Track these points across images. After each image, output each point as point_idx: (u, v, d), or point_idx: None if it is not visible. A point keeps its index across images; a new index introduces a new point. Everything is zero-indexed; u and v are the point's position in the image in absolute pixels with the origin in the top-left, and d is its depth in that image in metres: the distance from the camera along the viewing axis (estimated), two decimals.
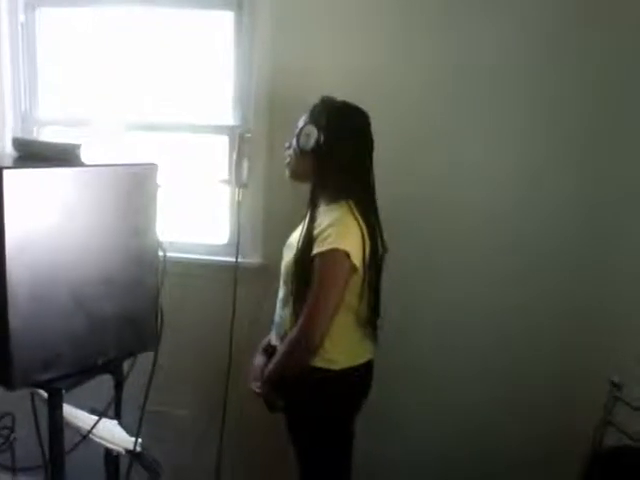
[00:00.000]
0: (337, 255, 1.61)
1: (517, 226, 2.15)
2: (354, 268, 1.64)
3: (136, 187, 1.37)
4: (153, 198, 1.41)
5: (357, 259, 1.64)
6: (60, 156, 1.33)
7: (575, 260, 2.13)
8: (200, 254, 2.34)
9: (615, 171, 2.08)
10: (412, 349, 2.23)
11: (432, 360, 2.24)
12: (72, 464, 1.59)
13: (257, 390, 1.80)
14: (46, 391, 1.32)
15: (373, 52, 2.14)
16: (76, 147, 1.34)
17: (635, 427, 1.61)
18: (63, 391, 1.30)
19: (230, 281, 2.17)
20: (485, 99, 2.11)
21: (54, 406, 1.33)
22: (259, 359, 1.90)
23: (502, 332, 2.19)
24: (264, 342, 1.93)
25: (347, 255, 1.61)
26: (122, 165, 1.37)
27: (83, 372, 1.35)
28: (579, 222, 2.12)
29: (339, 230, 1.63)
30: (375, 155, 1.78)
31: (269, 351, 1.87)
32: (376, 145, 1.77)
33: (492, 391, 2.21)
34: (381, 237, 1.78)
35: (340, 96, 1.77)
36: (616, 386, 1.68)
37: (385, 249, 1.80)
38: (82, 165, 1.32)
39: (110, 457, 1.69)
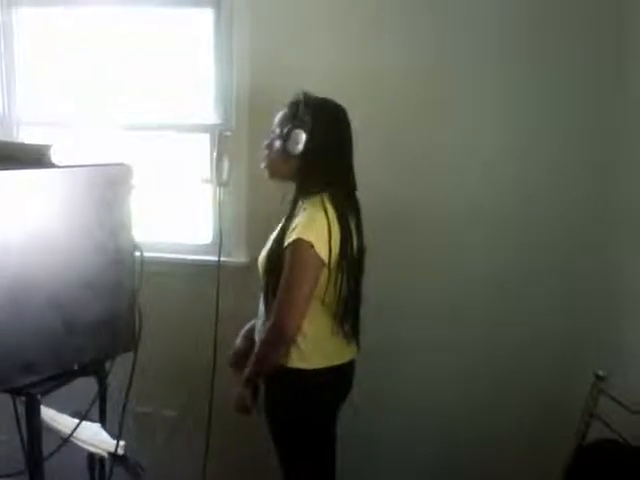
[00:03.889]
0: (301, 245, 1.61)
1: (499, 220, 2.15)
2: (320, 260, 1.62)
3: (110, 188, 1.35)
4: (128, 199, 1.39)
5: (322, 251, 1.62)
6: (31, 158, 1.31)
7: (561, 251, 2.13)
8: (184, 254, 2.33)
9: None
10: (399, 350, 2.23)
11: (417, 358, 2.24)
12: (57, 468, 1.58)
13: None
14: (21, 396, 1.30)
15: (352, 49, 2.13)
16: (47, 148, 1.32)
17: (620, 421, 1.61)
18: (38, 396, 1.28)
19: (214, 280, 2.16)
20: (463, 94, 2.11)
21: (31, 411, 1.31)
22: (239, 343, 1.93)
23: (490, 329, 2.19)
24: (246, 328, 1.94)
25: (311, 245, 1.60)
26: (95, 166, 1.34)
27: (60, 377, 1.33)
28: (560, 215, 2.11)
29: (304, 222, 1.64)
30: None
31: (249, 337, 1.90)
32: (354, 142, 1.76)
33: (479, 387, 2.21)
34: (359, 236, 1.77)
35: (320, 94, 1.75)
36: (600, 379, 1.68)
37: (363, 248, 1.78)
38: (53, 166, 1.30)
39: (93, 461, 1.68)
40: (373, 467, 2.31)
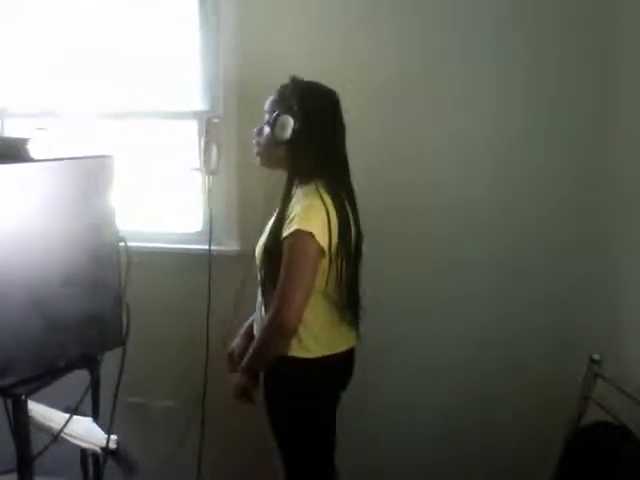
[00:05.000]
0: (302, 235, 1.58)
1: (495, 209, 2.12)
2: (321, 250, 1.60)
3: (90, 181, 1.32)
4: (109, 191, 1.36)
5: (323, 240, 1.60)
6: (7, 152, 1.28)
7: (557, 239, 2.10)
8: (174, 243, 2.31)
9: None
10: (394, 338, 2.21)
11: (414, 352, 2.22)
12: (50, 464, 1.58)
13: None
14: (6, 397, 1.28)
15: (341, 33, 2.08)
16: (24, 142, 1.29)
17: (614, 403, 1.60)
18: (23, 397, 1.26)
19: (205, 269, 2.13)
20: (456, 82, 2.07)
21: (18, 411, 1.30)
22: (236, 342, 1.91)
23: (485, 316, 2.17)
24: (246, 325, 1.92)
25: (312, 235, 1.58)
26: (74, 159, 1.32)
27: (45, 375, 1.31)
28: (557, 203, 2.09)
29: (303, 211, 1.61)
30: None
31: (249, 334, 1.87)
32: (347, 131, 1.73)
33: (478, 379, 2.20)
34: (356, 222, 1.74)
35: (309, 78, 1.71)
36: (595, 362, 1.67)
37: (361, 235, 1.76)
38: (31, 161, 1.27)
39: (86, 456, 1.67)
40: (373, 462, 2.29)
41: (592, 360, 1.68)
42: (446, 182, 2.13)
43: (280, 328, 1.63)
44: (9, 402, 1.46)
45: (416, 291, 2.19)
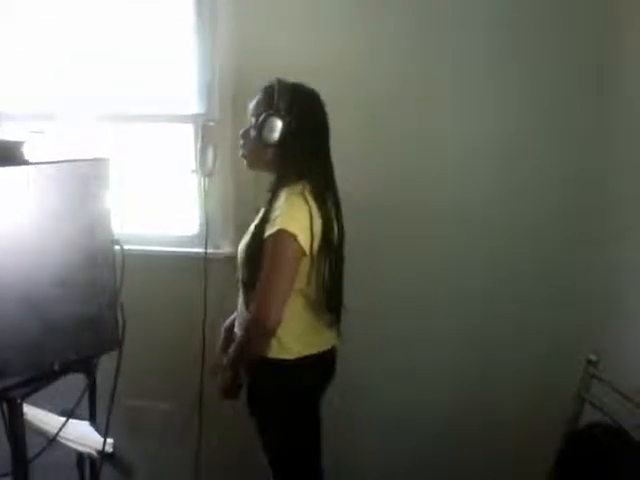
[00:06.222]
0: (284, 236, 1.58)
1: (495, 209, 2.12)
2: (302, 251, 1.60)
3: (84, 184, 1.32)
4: (104, 194, 1.36)
5: (305, 242, 1.60)
6: (2, 154, 1.27)
7: (557, 239, 2.10)
8: (170, 246, 2.31)
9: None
10: (393, 338, 2.20)
11: (414, 346, 2.22)
12: (46, 467, 1.57)
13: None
14: (2, 400, 1.28)
15: (338, 35, 2.08)
16: (19, 144, 1.29)
17: (611, 404, 1.59)
18: (18, 400, 1.26)
19: (201, 273, 2.12)
20: (457, 80, 2.06)
21: (13, 415, 1.30)
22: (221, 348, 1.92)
23: (484, 316, 2.16)
24: (226, 324, 1.94)
25: (294, 237, 1.58)
26: (69, 161, 1.31)
27: (40, 378, 1.31)
28: (557, 203, 2.08)
29: (286, 212, 1.61)
30: (337, 139, 1.74)
31: (228, 334, 1.90)
32: (339, 129, 1.73)
33: (475, 376, 2.20)
34: (339, 221, 1.74)
35: (306, 81, 1.71)
36: (592, 364, 1.66)
37: (343, 237, 1.76)
38: (26, 163, 1.26)
39: (82, 459, 1.67)
40: (372, 464, 2.29)
41: (589, 361, 1.68)
42: (446, 182, 2.13)
43: (260, 327, 1.64)
44: (4, 405, 1.46)
45: (415, 291, 2.18)
